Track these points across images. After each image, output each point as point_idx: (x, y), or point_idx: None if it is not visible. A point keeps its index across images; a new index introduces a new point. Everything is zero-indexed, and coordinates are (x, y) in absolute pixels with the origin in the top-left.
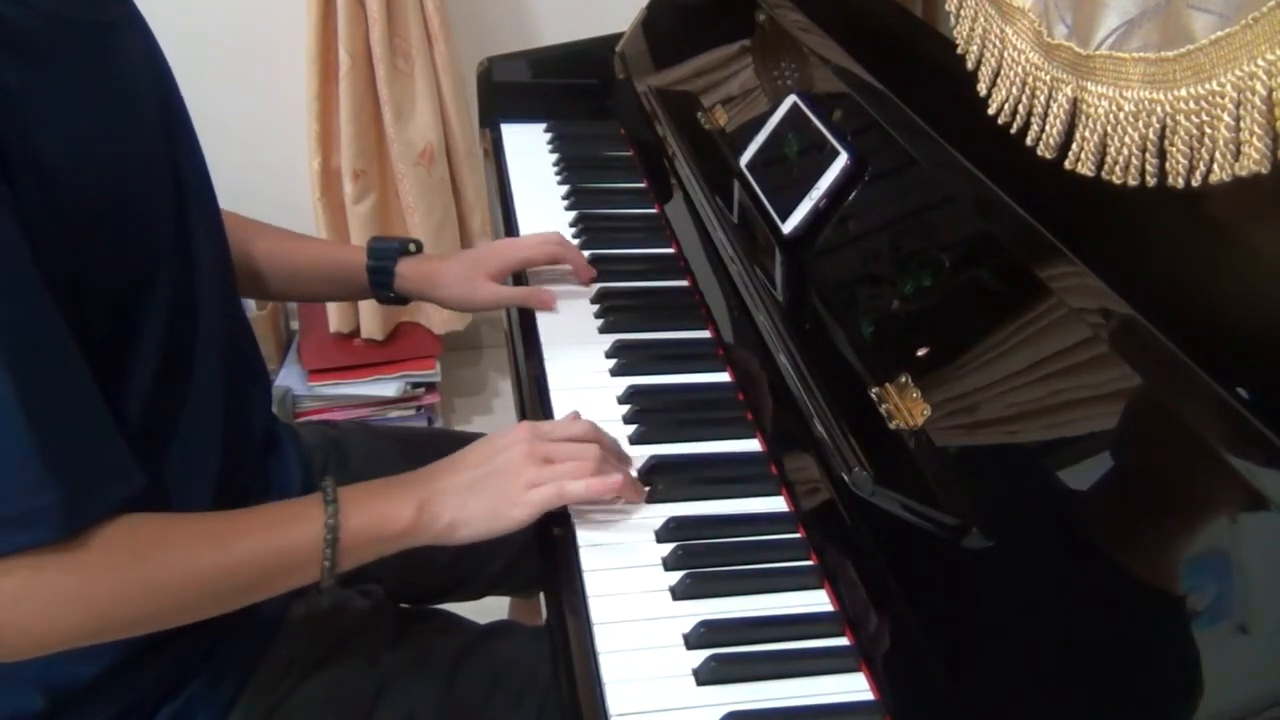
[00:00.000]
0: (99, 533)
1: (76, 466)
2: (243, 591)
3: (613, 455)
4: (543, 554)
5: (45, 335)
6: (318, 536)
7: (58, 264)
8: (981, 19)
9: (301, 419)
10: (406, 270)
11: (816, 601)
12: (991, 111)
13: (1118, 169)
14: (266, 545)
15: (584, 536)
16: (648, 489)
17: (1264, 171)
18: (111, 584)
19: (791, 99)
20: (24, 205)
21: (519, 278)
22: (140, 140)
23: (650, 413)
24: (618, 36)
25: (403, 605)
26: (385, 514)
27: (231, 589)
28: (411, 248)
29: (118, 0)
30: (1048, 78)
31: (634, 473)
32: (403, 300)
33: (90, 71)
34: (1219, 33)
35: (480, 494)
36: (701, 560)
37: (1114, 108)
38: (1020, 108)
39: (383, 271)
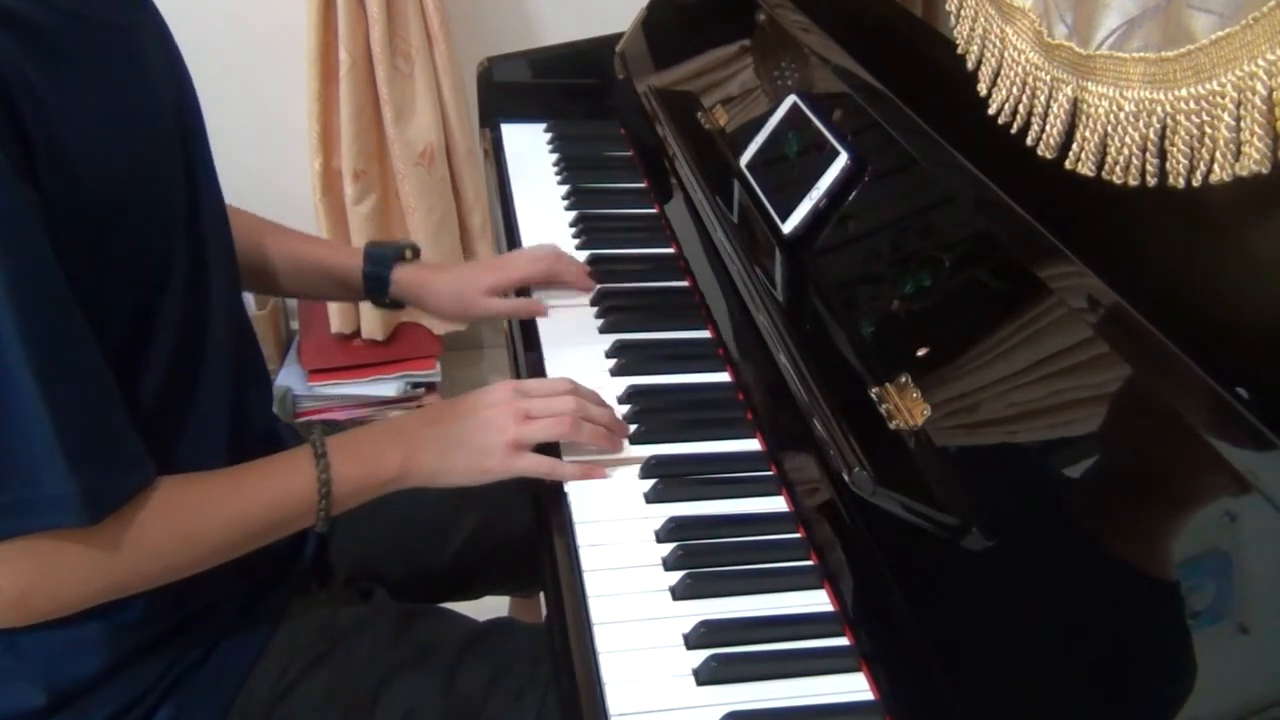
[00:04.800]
0: (117, 511)
1: (98, 460)
2: (247, 542)
3: (591, 407)
4: (542, 553)
5: (68, 334)
6: (312, 490)
7: (79, 266)
8: (981, 19)
9: (301, 419)
10: (401, 277)
11: (816, 601)
12: (991, 111)
13: (1118, 169)
14: (266, 502)
15: (584, 536)
16: (650, 481)
17: (1264, 171)
18: (129, 552)
19: (791, 99)
20: (49, 207)
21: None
22: (157, 143)
23: (650, 413)
24: (618, 36)
25: (403, 604)
26: (374, 462)
27: (236, 542)
28: (408, 254)
29: (138, 2)
30: (1048, 78)
31: (623, 429)
32: (399, 305)
33: (110, 72)
34: (1219, 33)
35: (461, 448)
36: (701, 560)
37: (1114, 108)
38: (1020, 108)
39: (378, 278)
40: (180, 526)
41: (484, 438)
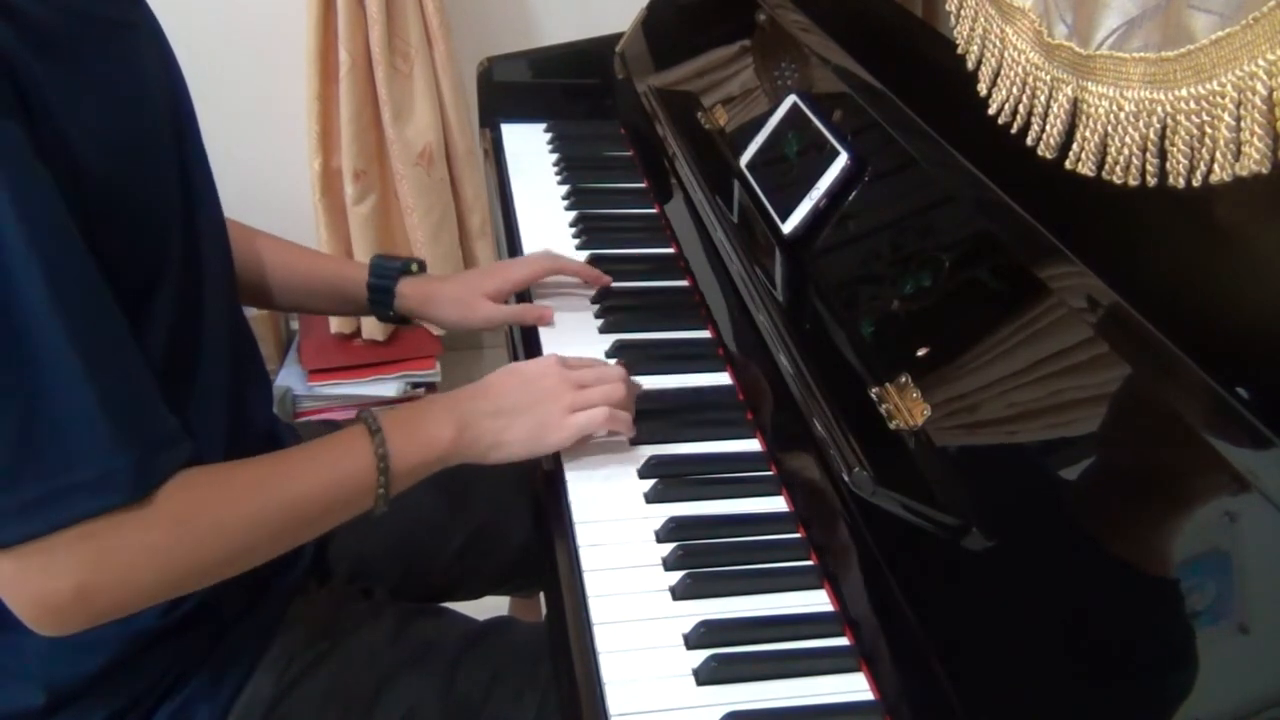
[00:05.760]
0: (166, 492)
1: (143, 430)
2: (306, 525)
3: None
4: (542, 553)
5: (102, 310)
6: (370, 467)
7: None
8: (981, 19)
9: (301, 419)
10: (407, 290)
11: (816, 601)
12: (991, 111)
13: (1118, 169)
14: (325, 480)
15: (584, 536)
16: (650, 482)
17: (1264, 171)
18: (184, 538)
19: (791, 99)
20: None
21: (522, 293)
22: (152, 140)
23: (650, 413)
24: (618, 36)
25: (403, 604)
26: (428, 436)
27: (295, 526)
28: (414, 268)
29: (135, 3)
30: (1048, 78)
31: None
32: (402, 320)
33: (108, 68)
34: (1219, 33)
35: (522, 417)
36: (701, 560)
37: (1114, 108)
38: (1020, 108)
39: (383, 290)
40: (238, 507)
41: (542, 408)
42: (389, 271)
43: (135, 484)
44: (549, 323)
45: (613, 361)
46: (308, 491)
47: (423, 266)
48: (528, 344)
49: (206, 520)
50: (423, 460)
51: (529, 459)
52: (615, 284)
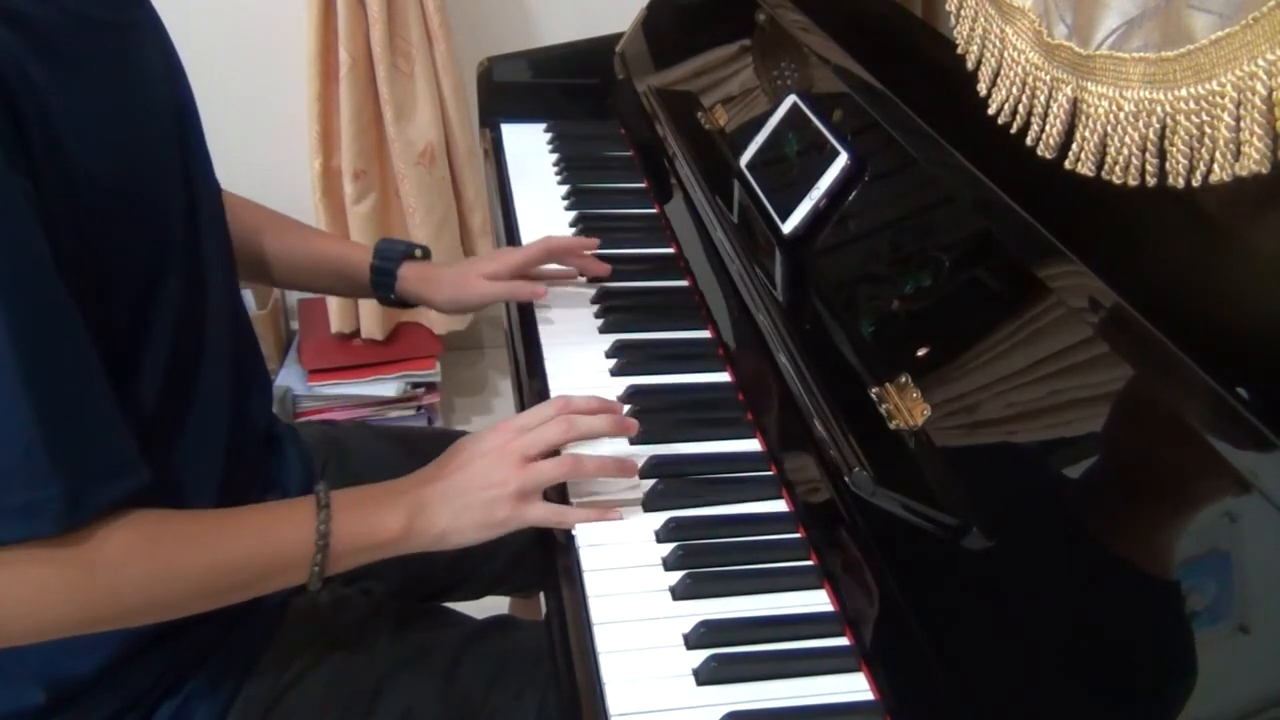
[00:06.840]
0: (98, 528)
1: (81, 461)
2: (233, 590)
3: (584, 420)
4: (543, 554)
5: (59, 329)
6: (309, 541)
7: (75, 261)
8: (981, 19)
9: (301, 419)
10: (408, 273)
11: (816, 601)
12: (991, 111)
13: (1118, 169)
14: (259, 547)
15: (584, 536)
16: (650, 482)
17: (1264, 171)
18: (106, 579)
19: (791, 99)
20: (45, 201)
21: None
22: (154, 140)
23: (650, 413)
24: (618, 36)
25: (403, 603)
26: (376, 522)
27: (222, 588)
28: (418, 253)
29: (137, 2)
30: (1048, 78)
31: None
32: (403, 304)
33: (109, 70)
34: (1219, 33)
35: (468, 507)
36: (701, 560)
37: (1114, 108)
38: (1020, 108)
39: (386, 273)
40: (165, 559)
41: (487, 491)
42: (393, 255)
43: (62, 516)
44: (541, 296)
45: (612, 363)
46: (241, 556)
47: (427, 253)
48: (527, 343)
49: (131, 569)
50: (367, 544)
51: (480, 543)
52: (615, 284)
